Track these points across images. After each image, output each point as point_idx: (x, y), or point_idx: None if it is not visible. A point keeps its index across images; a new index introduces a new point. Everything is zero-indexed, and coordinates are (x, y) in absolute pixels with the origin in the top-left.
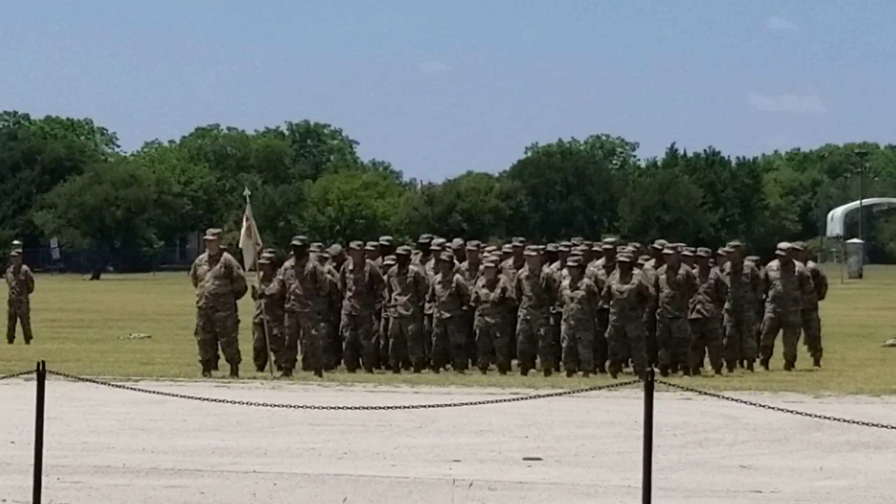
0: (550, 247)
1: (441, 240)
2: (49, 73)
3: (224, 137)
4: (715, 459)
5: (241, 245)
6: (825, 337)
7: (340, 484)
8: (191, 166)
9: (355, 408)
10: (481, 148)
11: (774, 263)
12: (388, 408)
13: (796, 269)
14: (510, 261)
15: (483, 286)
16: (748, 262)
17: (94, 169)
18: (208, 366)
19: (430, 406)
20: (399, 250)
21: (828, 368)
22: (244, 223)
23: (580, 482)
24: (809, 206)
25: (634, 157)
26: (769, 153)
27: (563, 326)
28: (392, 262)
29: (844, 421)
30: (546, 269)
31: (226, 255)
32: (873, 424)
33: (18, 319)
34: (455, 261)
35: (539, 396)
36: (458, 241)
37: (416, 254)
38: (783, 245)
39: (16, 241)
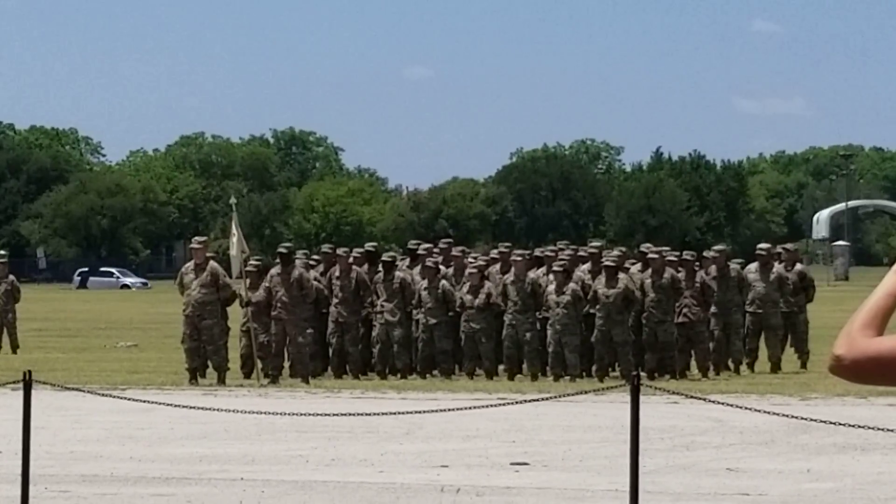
0: (536, 252)
1: (428, 245)
2: (33, 82)
3: (209, 145)
4: (702, 463)
5: (232, 253)
6: (812, 339)
7: (328, 491)
8: (176, 175)
9: (342, 414)
10: (467, 154)
11: (753, 265)
12: (376, 414)
13: (775, 270)
14: (496, 266)
15: (467, 292)
16: (733, 266)
17: (79, 178)
18: (195, 374)
19: (417, 412)
20: (385, 257)
21: (814, 371)
22: (232, 231)
23: (568, 487)
24: (795, 209)
25: (619, 161)
26: (754, 156)
27: (550, 331)
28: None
29: (831, 423)
30: (532, 275)
31: (212, 263)
32: (860, 426)
33: (5, 329)
34: (441, 266)
35: (526, 401)
36: (444, 242)
37: (404, 259)
38: (762, 246)
39: (2, 251)
